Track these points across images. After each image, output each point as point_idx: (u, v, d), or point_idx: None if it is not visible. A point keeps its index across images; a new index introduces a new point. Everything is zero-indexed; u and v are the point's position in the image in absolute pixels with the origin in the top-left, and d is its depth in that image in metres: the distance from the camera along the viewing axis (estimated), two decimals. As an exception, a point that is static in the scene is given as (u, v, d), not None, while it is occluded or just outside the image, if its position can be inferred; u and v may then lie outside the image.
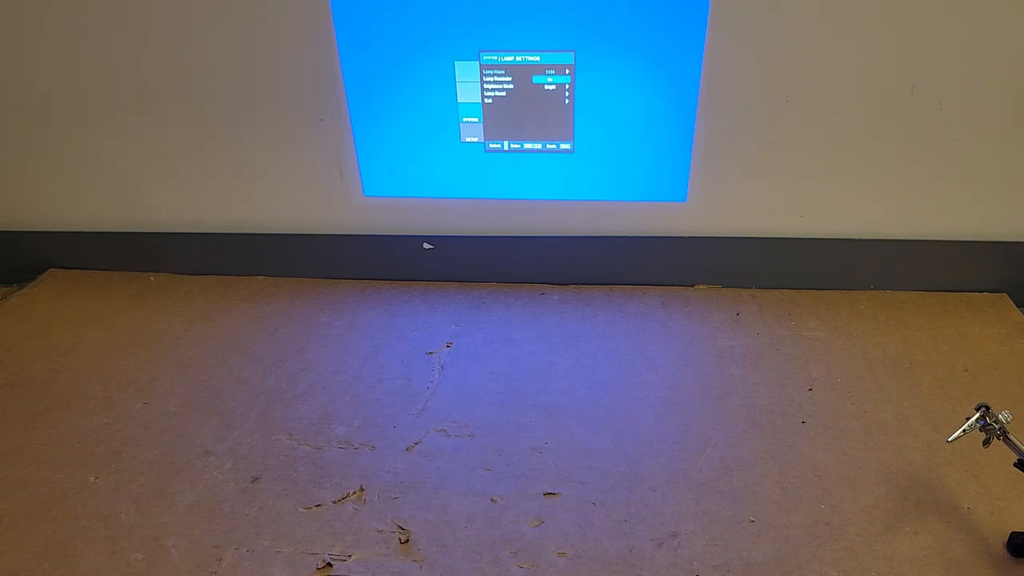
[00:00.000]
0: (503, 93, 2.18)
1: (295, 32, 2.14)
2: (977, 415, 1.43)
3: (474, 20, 2.09)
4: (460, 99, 2.20)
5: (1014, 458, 1.43)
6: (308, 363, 2.09)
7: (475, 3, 2.07)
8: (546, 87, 2.16)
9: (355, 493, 1.65)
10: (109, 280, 2.53)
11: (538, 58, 2.12)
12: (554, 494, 1.63)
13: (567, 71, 2.13)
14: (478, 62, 2.14)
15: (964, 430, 1.43)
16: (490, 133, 2.24)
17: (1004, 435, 1.41)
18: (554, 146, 2.24)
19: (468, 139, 2.25)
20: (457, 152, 2.28)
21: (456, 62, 2.15)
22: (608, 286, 2.41)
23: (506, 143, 2.25)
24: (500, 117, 2.21)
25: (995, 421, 1.41)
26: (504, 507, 1.60)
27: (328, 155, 2.32)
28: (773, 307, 2.28)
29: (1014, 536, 1.46)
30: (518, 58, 2.13)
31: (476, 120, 2.22)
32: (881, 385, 1.93)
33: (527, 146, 2.24)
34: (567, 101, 2.17)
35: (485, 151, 2.27)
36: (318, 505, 1.62)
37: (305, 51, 2.17)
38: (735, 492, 1.62)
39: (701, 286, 2.40)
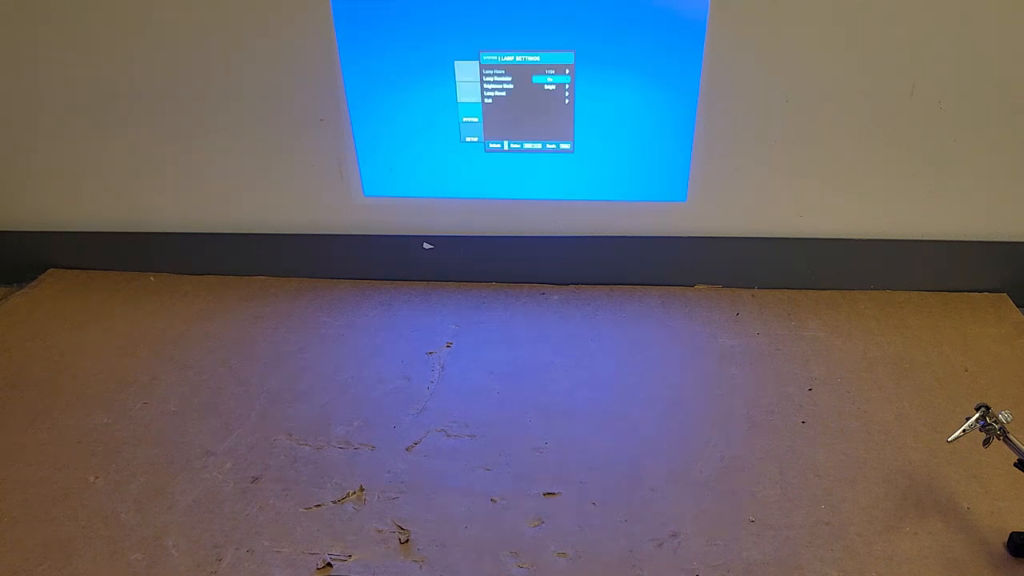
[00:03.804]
0: (503, 93, 2.18)
1: (295, 32, 2.14)
2: (977, 415, 1.43)
3: (474, 20, 2.09)
4: (460, 99, 2.20)
5: (1014, 458, 1.43)
6: (308, 363, 2.09)
7: (475, 3, 2.07)
8: (546, 87, 2.16)
9: (355, 493, 1.65)
10: (109, 280, 2.53)
11: (538, 58, 2.12)
12: (554, 494, 1.63)
13: (567, 71, 2.13)
14: (478, 62, 2.14)
15: (964, 430, 1.43)
16: (490, 133, 2.24)
17: (1004, 435, 1.41)
18: (554, 146, 2.24)
19: (468, 139, 2.25)
20: (457, 152, 2.28)
21: (456, 62, 2.15)
22: (608, 286, 2.41)
23: (506, 143, 2.25)
24: (500, 117, 2.21)
25: (995, 421, 1.41)
26: (504, 507, 1.60)
27: (328, 155, 2.32)
28: (773, 307, 2.28)
29: (1014, 536, 1.46)
30: (518, 58, 2.13)
31: (476, 120, 2.22)
32: (881, 385, 1.93)
33: (527, 146, 2.24)
34: (567, 101, 2.17)
35: (485, 151, 2.27)
36: (318, 505, 1.62)
37: (305, 51, 2.17)
38: (735, 492, 1.62)
39: (701, 286, 2.40)
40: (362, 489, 1.66)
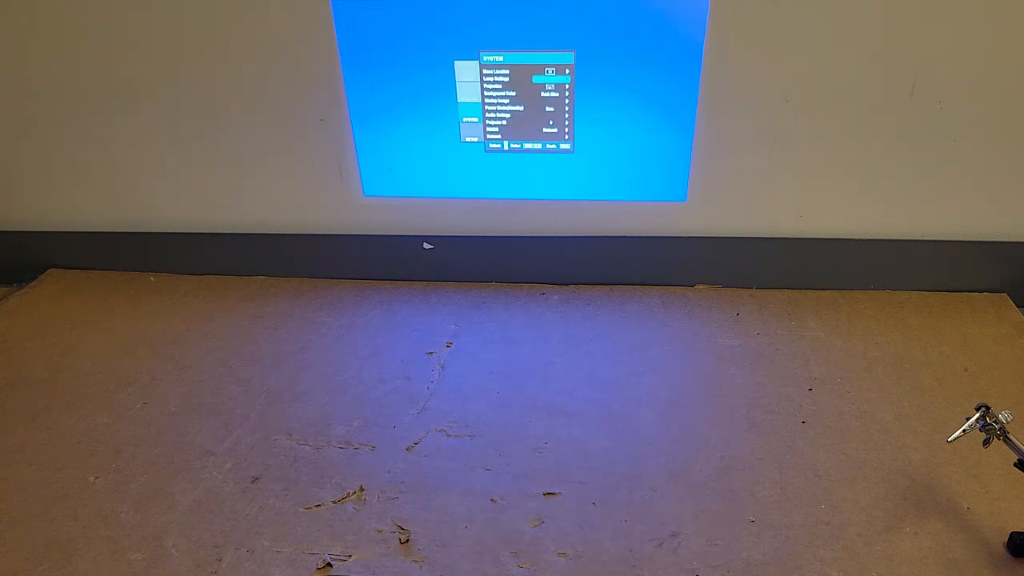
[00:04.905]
0: (503, 93, 2.18)
1: (295, 32, 2.14)
2: (977, 415, 1.43)
3: (474, 20, 2.09)
4: (460, 99, 2.20)
5: (1014, 458, 1.43)
6: (308, 363, 2.08)
7: (475, 3, 2.07)
8: (546, 87, 2.16)
9: (355, 493, 1.65)
10: (109, 280, 2.53)
11: (538, 58, 2.12)
12: (554, 494, 1.63)
13: (567, 71, 2.13)
14: (478, 62, 2.14)
15: (964, 430, 1.43)
16: (490, 133, 2.24)
17: (1004, 435, 1.41)
18: (554, 146, 2.24)
19: (468, 139, 2.25)
20: (457, 152, 2.28)
21: (456, 62, 2.15)
22: (608, 286, 2.41)
23: (506, 143, 2.25)
24: (500, 117, 2.21)
25: (995, 421, 1.41)
26: (504, 507, 1.60)
27: (328, 155, 2.32)
28: (773, 307, 2.28)
29: (1014, 536, 1.46)
30: (518, 58, 2.13)
31: (476, 120, 2.22)
32: (881, 385, 1.93)
33: (527, 146, 2.25)
34: (567, 101, 2.17)
35: (485, 151, 2.27)
36: (318, 505, 1.62)
37: (305, 51, 2.17)
38: (735, 492, 1.62)
39: (701, 286, 2.40)
40: (362, 489, 1.66)
